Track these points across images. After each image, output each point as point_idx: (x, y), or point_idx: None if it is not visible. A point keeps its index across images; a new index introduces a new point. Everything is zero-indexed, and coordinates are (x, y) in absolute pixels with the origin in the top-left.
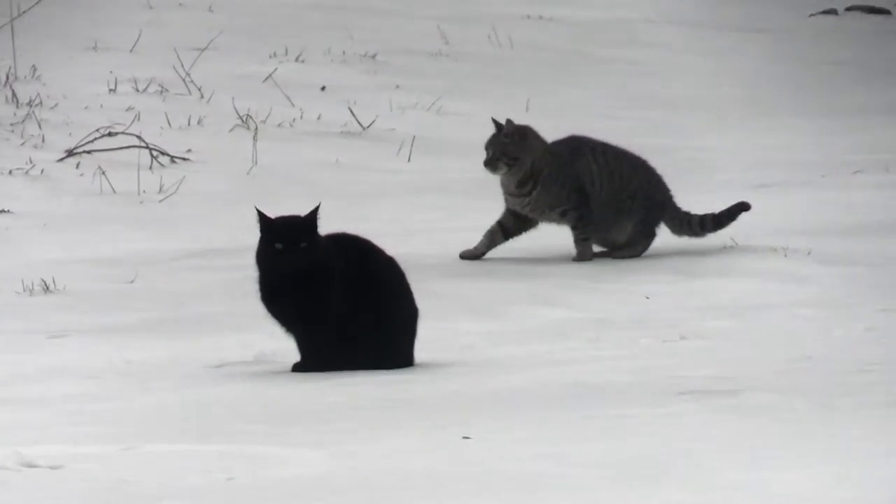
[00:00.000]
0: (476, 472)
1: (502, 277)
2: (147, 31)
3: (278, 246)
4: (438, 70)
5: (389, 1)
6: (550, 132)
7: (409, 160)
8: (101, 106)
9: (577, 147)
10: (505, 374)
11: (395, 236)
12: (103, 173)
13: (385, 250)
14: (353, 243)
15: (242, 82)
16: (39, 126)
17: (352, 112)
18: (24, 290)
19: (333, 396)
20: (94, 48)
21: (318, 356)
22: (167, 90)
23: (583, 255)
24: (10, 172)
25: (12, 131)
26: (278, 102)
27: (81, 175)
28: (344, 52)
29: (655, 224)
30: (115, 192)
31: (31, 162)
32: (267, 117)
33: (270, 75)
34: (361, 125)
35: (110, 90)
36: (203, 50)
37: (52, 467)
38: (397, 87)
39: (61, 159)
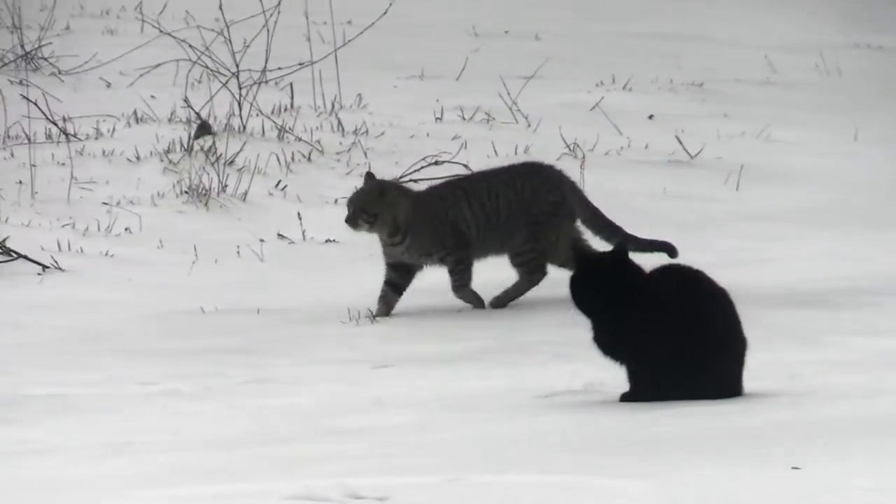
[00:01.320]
0: None
1: (831, 306)
2: (473, 58)
3: (590, 284)
4: (766, 98)
5: (718, 29)
6: (879, 162)
7: (737, 188)
8: (428, 134)
9: (451, 194)
10: (834, 404)
11: (724, 266)
12: None
13: (715, 281)
14: (682, 274)
15: (569, 110)
16: (365, 155)
17: (679, 140)
18: (349, 319)
19: (662, 426)
20: (420, 76)
21: (648, 386)
22: (493, 118)
23: (470, 301)
24: (336, 202)
25: (338, 160)
26: (605, 130)
27: None
28: (671, 80)
29: (544, 242)
30: None
31: None
32: (594, 146)
33: (598, 104)
34: (689, 153)
35: (437, 118)
36: (529, 78)
37: (378, 499)
38: (725, 115)
39: None
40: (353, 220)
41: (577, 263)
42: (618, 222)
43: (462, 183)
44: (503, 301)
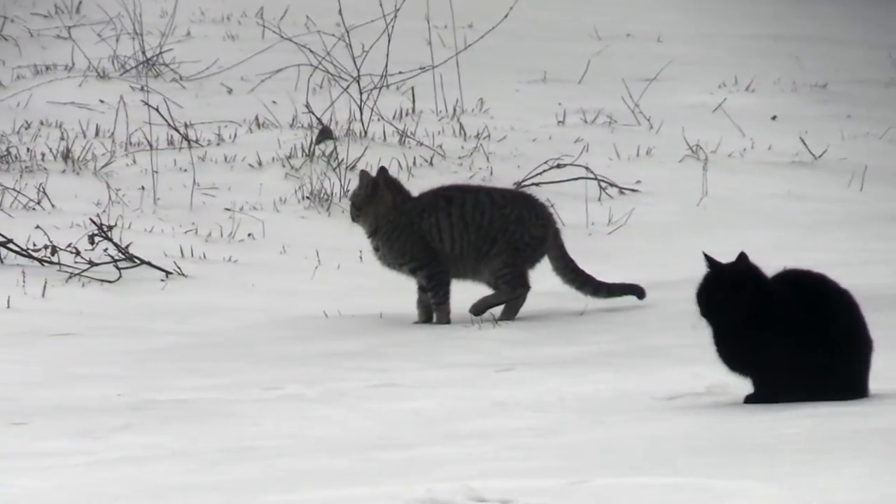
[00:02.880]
0: None
1: None
2: (595, 61)
3: (718, 294)
4: (890, 99)
5: (840, 30)
6: None
7: (860, 190)
8: (550, 138)
9: (432, 203)
10: None
11: (848, 266)
12: (552, 205)
13: (839, 283)
14: (804, 279)
15: (691, 112)
16: (487, 159)
17: (803, 142)
18: (472, 323)
19: (788, 428)
20: (543, 80)
21: (773, 388)
22: (615, 121)
23: (440, 320)
24: None
25: (460, 165)
26: (728, 132)
27: None
28: (794, 82)
29: (521, 267)
30: (563, 224)
31: None
32: (717, 147)
33: (720, 105)
34: (813, 155)
35: (559, 122)
36: (651, 80)
37: (501, 501)
38: (848, 116)
39: None
40: (351, 215)
41: (706, 273)
42: (735, 224)
43: (448, 192)
44: (481, 308)
